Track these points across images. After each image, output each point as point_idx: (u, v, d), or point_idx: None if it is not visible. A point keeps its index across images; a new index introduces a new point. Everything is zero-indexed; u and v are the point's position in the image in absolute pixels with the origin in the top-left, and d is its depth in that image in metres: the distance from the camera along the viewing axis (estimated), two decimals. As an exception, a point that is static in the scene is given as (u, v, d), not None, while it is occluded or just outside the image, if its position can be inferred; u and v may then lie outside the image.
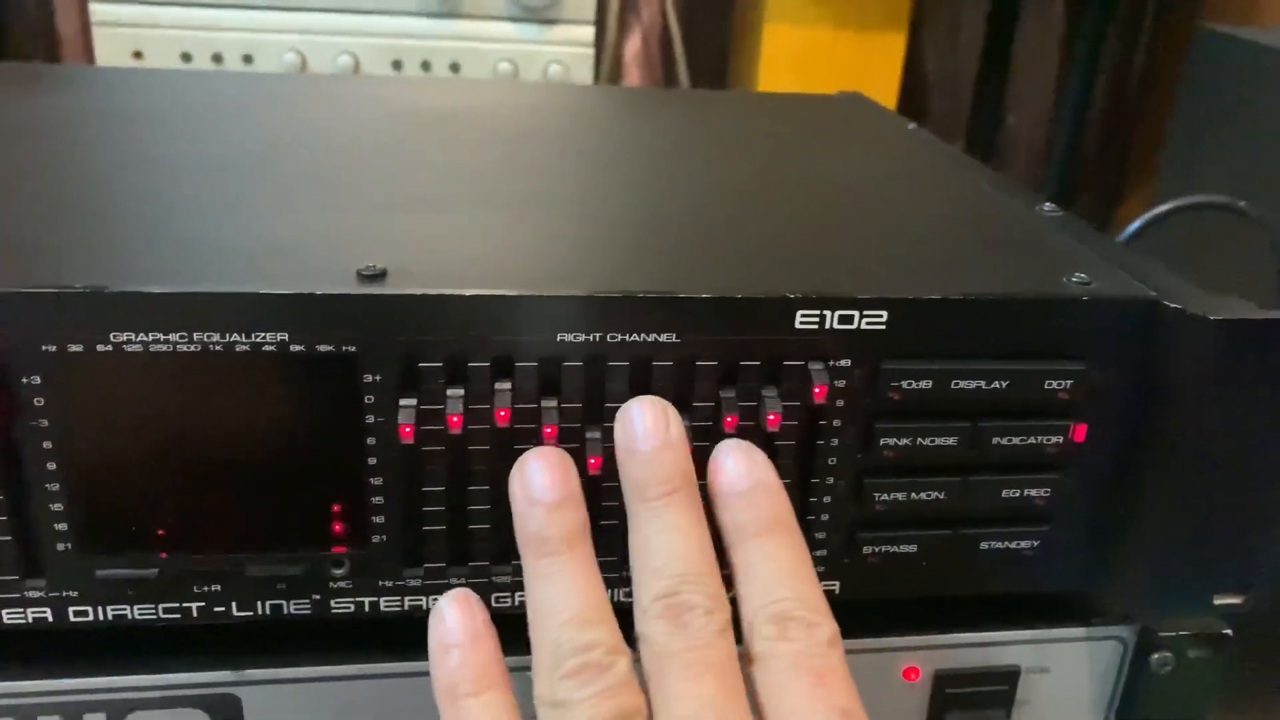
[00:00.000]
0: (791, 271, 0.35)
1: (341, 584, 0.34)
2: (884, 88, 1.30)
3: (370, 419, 0.32)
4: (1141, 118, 1.56)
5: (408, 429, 0.31)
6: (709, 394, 0.33)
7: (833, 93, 0.70)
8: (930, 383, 0.33)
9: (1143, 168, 1.53)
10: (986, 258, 0.38)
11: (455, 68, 1.20)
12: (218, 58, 1.16)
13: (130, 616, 0.33)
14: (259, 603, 0.34)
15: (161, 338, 0.30)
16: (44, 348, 0.30)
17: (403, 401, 0.32)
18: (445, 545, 0.34)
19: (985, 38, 1.52)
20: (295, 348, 0.31)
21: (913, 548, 0.36)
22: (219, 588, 0.33)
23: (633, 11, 1.44)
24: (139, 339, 0.30)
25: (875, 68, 1.31)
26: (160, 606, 0.33)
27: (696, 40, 1.44)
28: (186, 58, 1.15)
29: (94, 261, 0.33)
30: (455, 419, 0.32)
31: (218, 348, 0.30)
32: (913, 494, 0.35)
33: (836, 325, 0.33)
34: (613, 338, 0.32)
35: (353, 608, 0.34)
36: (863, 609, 0.37)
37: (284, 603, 0.34)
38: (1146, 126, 1.54)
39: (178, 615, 0.33)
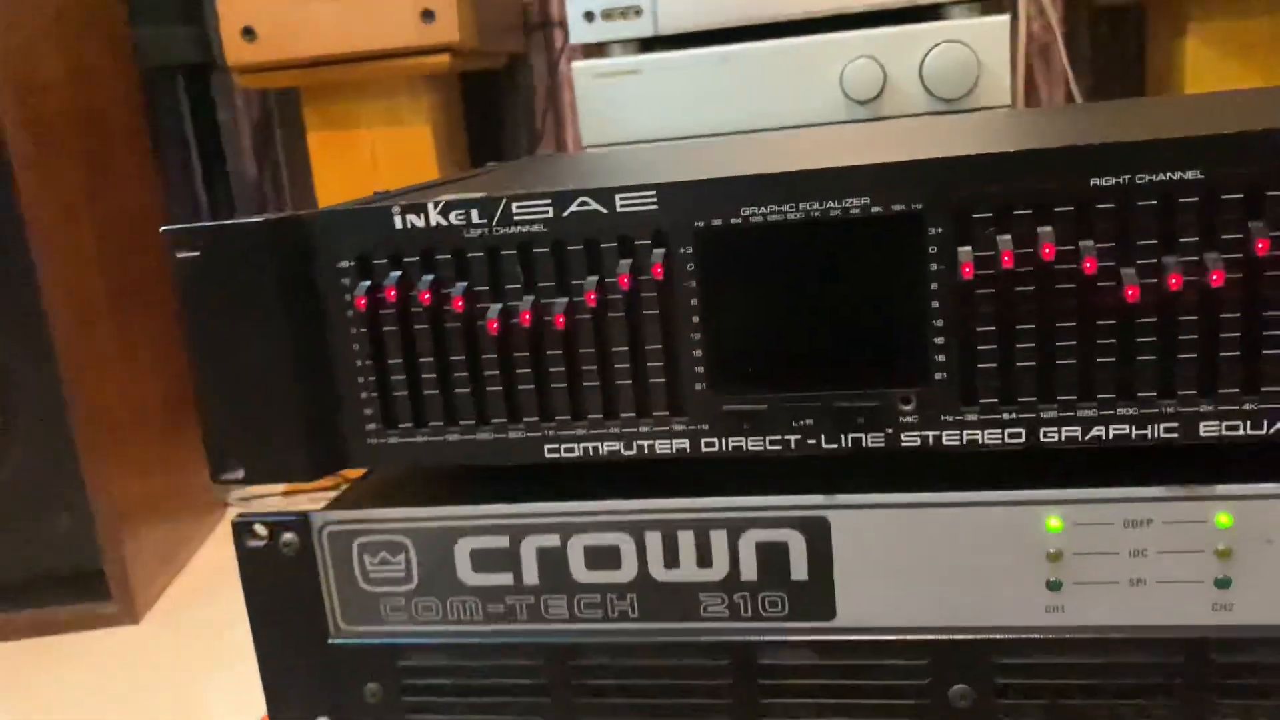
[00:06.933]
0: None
1: (909, 419, 0.41)
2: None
3: (934, 266, 0.39)
4: None
5: (967, 268, 0.39)
6: (1238, 227, 0.37)
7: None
8: None
9: None
10: None
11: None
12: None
13: (745, 448, 0.42)
14: (843, 435, 0.41)
15: (776, 209, 0.40)
16: (695, 223, 0.41)
17: (960, 249, 0.39)
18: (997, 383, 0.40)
19: None
20: (875, 209, 0.39)
21: None
22: (811, 421, 0.42)
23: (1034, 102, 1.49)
24: (760, 211, 0.40)
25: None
26: (767, 439, 0.42)
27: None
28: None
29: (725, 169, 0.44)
30: (1007, 256, 0.38)
31: (816, 214, 0.40)
32: None
33: (1360, 148, 0.36)
34: (1140, 179, 0.37)
35: (918, 441, 0.41)
36: None
37: (863, 435, 0.41)
38: None
39: (779, 447, 0.42)
